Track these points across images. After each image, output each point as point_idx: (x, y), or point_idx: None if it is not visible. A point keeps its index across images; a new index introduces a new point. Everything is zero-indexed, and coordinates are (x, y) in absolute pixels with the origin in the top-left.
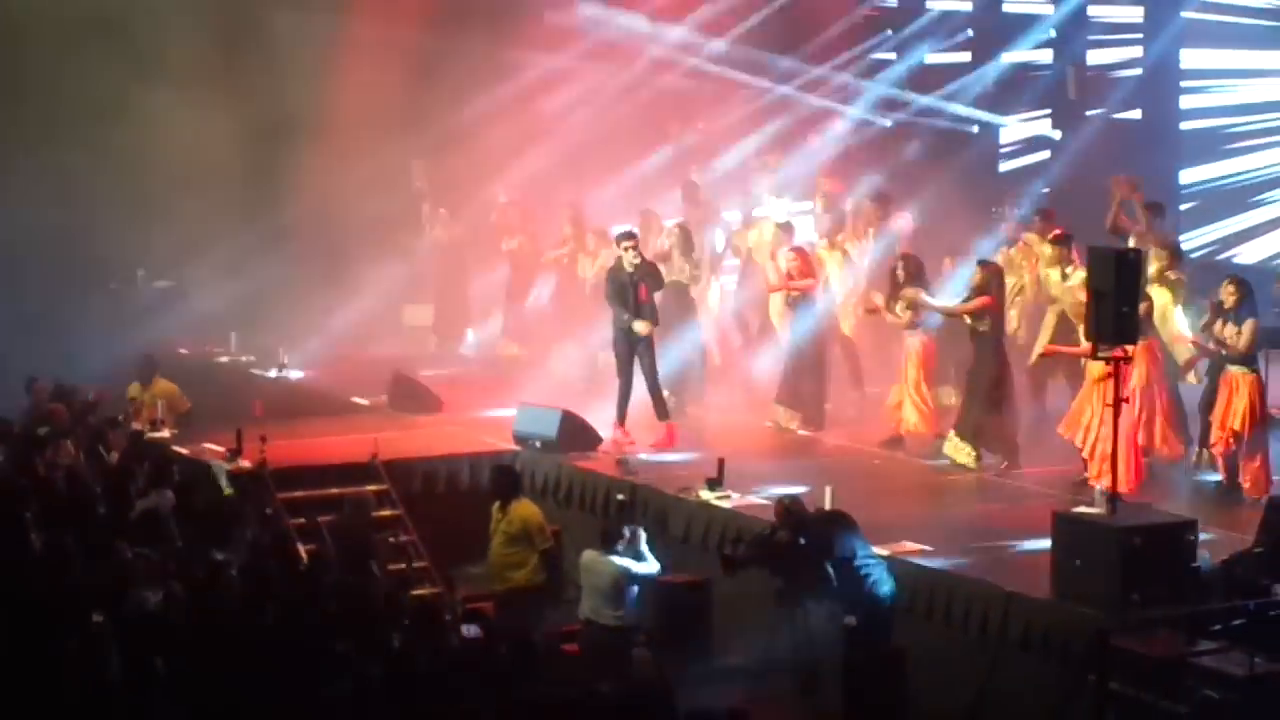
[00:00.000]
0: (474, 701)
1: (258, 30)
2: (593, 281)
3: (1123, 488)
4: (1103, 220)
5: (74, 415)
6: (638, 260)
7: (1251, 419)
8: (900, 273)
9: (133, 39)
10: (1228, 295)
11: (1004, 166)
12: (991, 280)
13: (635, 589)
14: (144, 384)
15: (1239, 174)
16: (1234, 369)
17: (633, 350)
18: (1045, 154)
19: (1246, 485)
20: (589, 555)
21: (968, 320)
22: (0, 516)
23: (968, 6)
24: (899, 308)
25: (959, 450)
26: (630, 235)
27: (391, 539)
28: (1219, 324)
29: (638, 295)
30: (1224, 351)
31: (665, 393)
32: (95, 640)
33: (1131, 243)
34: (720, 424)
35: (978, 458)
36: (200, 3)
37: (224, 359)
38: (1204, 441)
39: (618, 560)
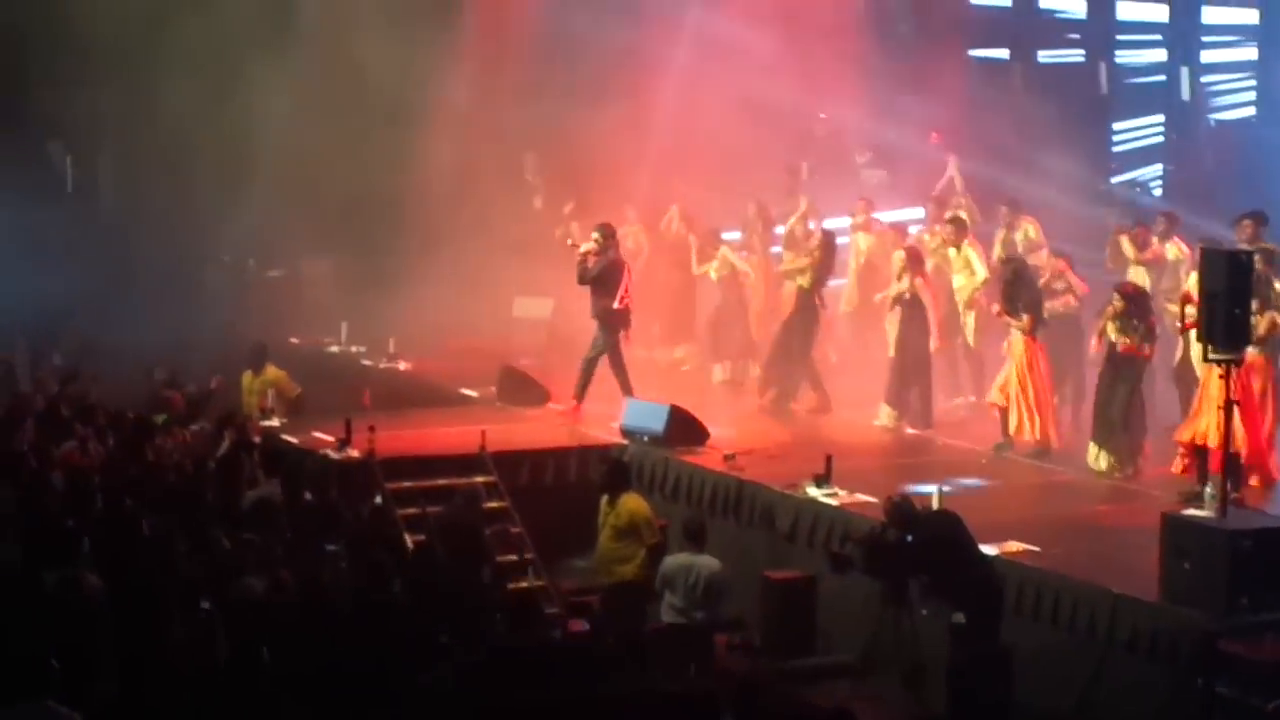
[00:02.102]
0: (576, 693)
1: (367, 16)
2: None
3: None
4: (1215, 222)
5: (190, 403)
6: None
7: None
8: (1010, 278)
9: (241, 20)
10: None
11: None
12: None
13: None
14: (255, 371)
15: None
16: None
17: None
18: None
19: None
20: (681, 559)
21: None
22: (110, 502)
23: (1081, 12)
24: (1017, 313)
25: (1099, 458)
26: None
27: (498, 531)
28: None
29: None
30: None
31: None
32: (203, 627)
33: None
34: (829, 421)
35: (1115, 465)
36: None
37: (334, 349)
38: None
39: (709, 559)
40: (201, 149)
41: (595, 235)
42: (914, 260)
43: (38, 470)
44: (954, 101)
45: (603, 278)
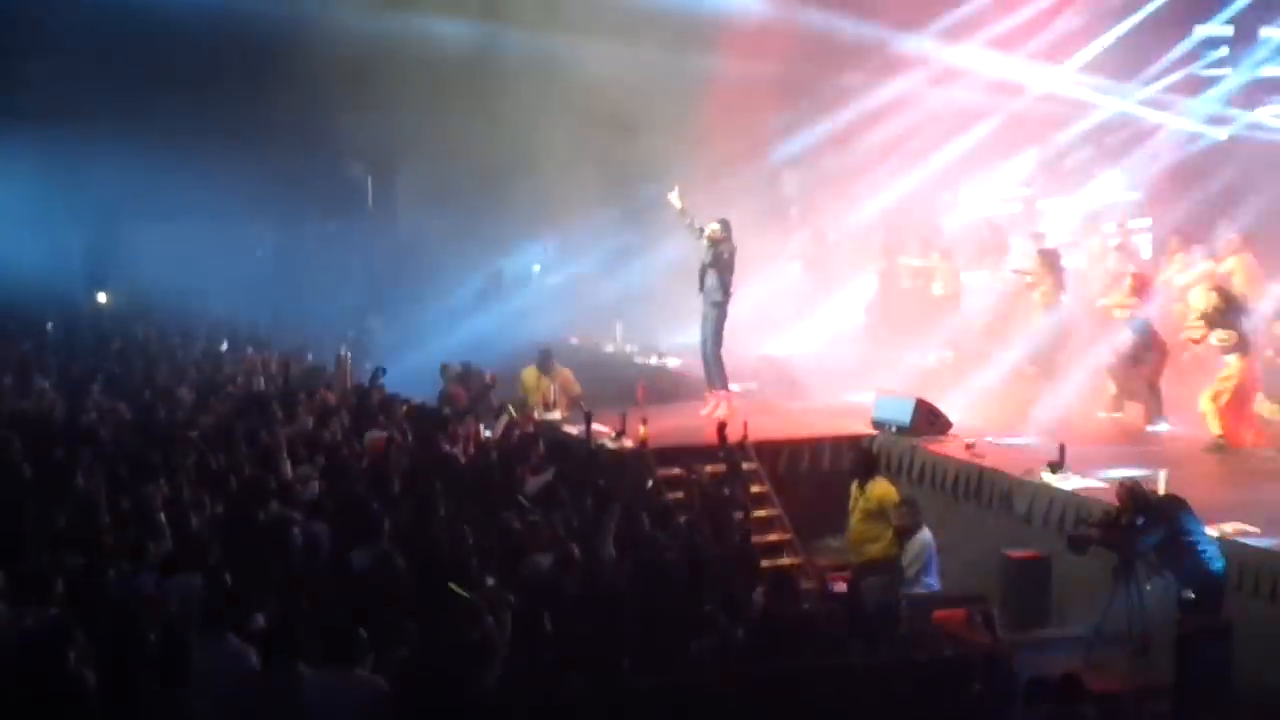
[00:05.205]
0: (834, 662)
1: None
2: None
3: None
4: None
5: (472, 396)
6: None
7: None
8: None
9: (512, 55)
10: None
11: None
12: None
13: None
14: (544, 372)
15: None
16: None
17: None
18: None
19: None
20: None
21: None
22: (410, 488)
23: None
24: (1214, 336)
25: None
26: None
27: (760, 513)
28: None
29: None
30: None
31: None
32: (488, 601)
33: None
34: (1063, 412)
35: None
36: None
37: (610, 348)
38: None
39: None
40: (487, 169)
41: (717, 225)
42: (1141, 287)
43: (347, 458)
44: None
45: (730, 265)
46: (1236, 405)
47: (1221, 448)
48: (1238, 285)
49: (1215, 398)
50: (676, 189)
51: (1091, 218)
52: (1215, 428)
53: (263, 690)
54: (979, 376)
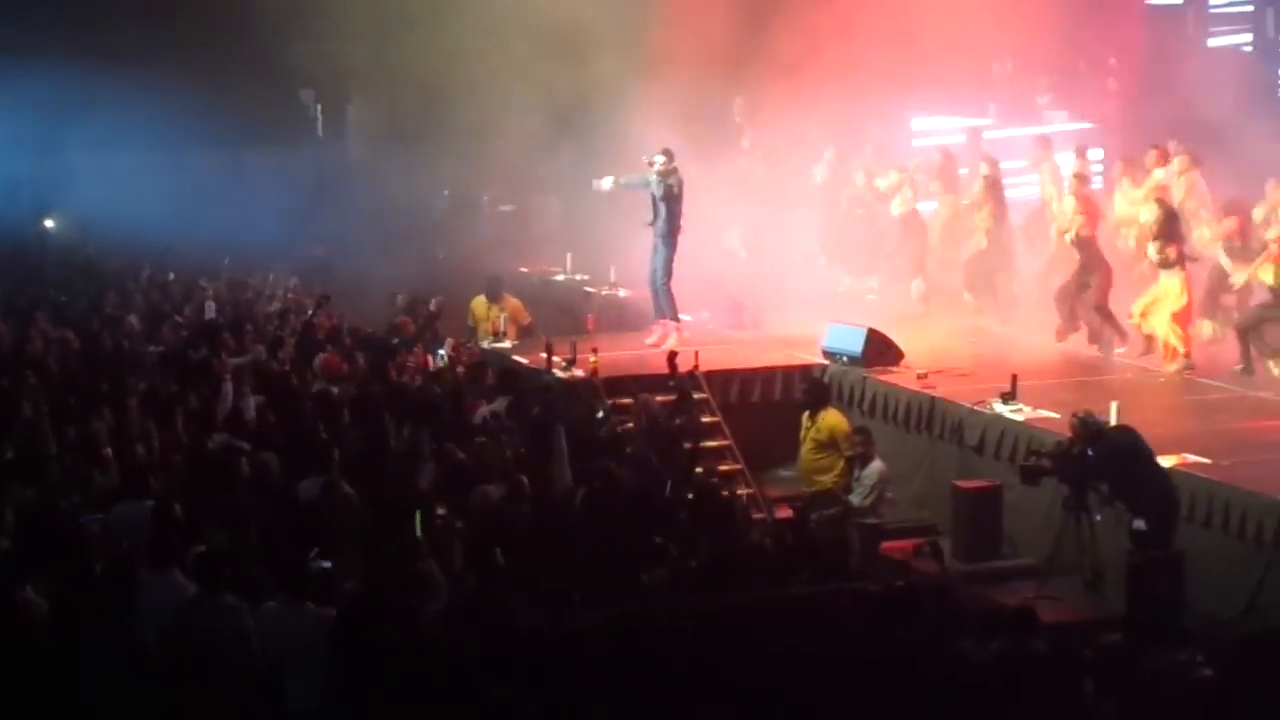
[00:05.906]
0: (783, 593)
1: None
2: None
3: None
4: None
5: (419, 326)
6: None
7: None
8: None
9: None
10: None
11: None
12: None
13: None
14: (493, 301)
15: None
16: None
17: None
18: None
19: None
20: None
21: None
22: (359, 417)
23: None
24: (1152, 249)
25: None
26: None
27: (710, 443)
28: None
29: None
30: None
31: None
32: (440, 531)
33: None
34: (1013, 342)
35: None
36: None
37: (560, 277)
38: None
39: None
40: (438, 97)
41: (662, 156)
42: (1086, 206)
43: (296, 388)
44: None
45: (680, 197)
46: (1186, 325)
47: (1191, 367)
48: (1188, 206)
49: (1176, 320)
50: (610, 179)
51: (1043, 144)
52: (1182, 346)
53: (200, 623)
54: (929, 306)
